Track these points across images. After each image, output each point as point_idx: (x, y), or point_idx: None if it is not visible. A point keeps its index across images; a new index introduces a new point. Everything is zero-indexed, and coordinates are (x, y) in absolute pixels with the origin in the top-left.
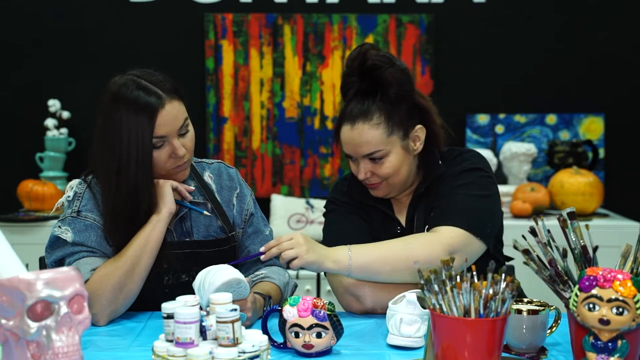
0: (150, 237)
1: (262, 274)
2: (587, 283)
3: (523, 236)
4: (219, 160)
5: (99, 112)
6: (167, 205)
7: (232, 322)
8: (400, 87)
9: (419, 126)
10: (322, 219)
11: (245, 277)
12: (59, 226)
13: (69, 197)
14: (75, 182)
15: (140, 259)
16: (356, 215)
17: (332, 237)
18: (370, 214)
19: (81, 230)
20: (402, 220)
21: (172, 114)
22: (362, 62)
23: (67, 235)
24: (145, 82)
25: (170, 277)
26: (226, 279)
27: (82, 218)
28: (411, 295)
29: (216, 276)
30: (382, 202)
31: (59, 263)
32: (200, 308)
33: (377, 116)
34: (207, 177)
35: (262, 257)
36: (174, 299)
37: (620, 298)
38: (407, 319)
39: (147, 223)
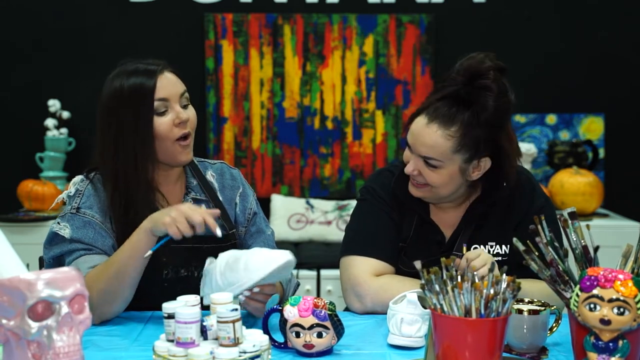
0: (137, 245)
1: None
2: (588, 283)
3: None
4: (222, 161)
5: (98, 107)
6: (157, 219)
7: (233, 322)
8: (494, 118)
9: (486, 158)
10: (322, 219)
11: None
12: (58, 222)
13: (70, 193)
14: (77, 178)
15: (127, 266)
16: (387, 215)
17: (356, 230)
18: (406, 215)
19: (79, 227)
20: (445, 230)
21: (172, 80)
22: (479, 75)
23: (65, 231)
24: (138, 63)
25: (169, 271)
26: (283, 262)
27: (80, 215)
28: (412, 295)
29: (262, 259)
30: (424, 208)
31: (58, 259)
32: (202, 304)
33: (456, 128)
34: (210, 176)
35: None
36: (173, 293)
37: (621, 298)
38: (408, 318)
39: (138, 228)
